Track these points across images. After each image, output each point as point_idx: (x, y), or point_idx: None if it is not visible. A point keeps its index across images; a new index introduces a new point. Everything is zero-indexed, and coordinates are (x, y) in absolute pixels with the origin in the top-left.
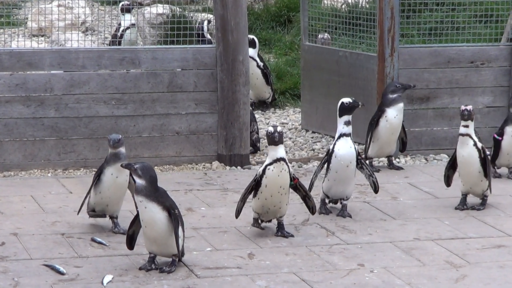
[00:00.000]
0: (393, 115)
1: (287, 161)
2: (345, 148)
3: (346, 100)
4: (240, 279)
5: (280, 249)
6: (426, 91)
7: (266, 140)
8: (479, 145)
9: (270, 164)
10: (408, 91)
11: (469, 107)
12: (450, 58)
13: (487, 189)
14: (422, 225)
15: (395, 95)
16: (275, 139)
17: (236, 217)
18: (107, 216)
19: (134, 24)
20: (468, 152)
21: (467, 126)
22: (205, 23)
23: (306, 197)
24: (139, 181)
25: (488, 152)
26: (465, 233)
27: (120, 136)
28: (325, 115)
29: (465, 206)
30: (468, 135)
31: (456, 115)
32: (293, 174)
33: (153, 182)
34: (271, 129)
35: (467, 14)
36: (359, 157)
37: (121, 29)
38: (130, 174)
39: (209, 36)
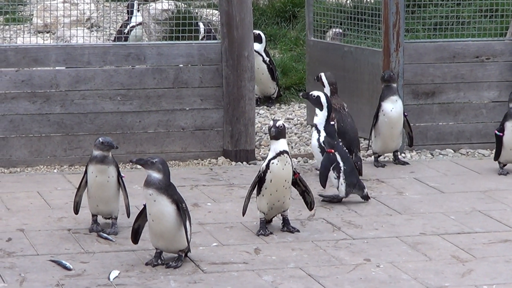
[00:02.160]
0: (389, 108)
1: (289, 154)
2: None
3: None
4: (246, 274)
5: (286, 244)
6: (432, 86)
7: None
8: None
9: (274, 158)
10: (413, 86)
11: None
12: (456, 53)
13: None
14: (428, 220)
15: (383, 85)
16: (272, 134)
17: (243, 215)
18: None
19: (140, 23)
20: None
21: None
22: (201, 24)
23: (305, 192)
24: (156, 175)
25: None
26: (471, 228)
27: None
28: None
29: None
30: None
31: (461, 109)
32: (295, 169)
33: (169, 177)
34: (270, 123)
35: (472, 9)
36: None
37: (129, 25)
38: (120, 177)
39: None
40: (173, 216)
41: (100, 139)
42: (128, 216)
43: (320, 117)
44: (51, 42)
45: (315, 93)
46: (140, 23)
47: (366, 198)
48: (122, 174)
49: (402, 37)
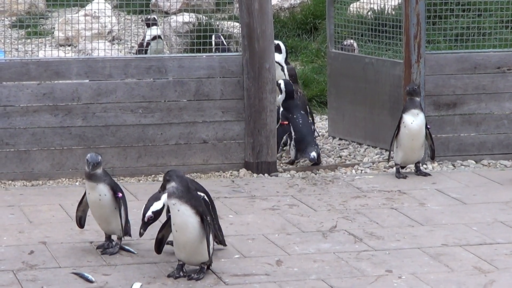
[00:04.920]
0: (410, 120)
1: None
2: None
3: None
4: (268, 286)
5: (308, 256)
6: (453, 97)
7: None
8: None
9: None
10: (434, 98)
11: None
12: (477, 64)
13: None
14: (450, 231)
15: (407, 98)
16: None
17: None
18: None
19: (160, 36)
20: None
21: None
22: (220, 35)
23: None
24: (169, 185)
25: None
26: (493, 239)
27: (100, 157)
28: (352, 122)
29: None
30: None
31: (483, 120)
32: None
33: (182, 182)
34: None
35: (494, 19)
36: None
37: (146, 39)
38: (116, 196)
39: (224, 44)
40: (197, 228)
41: (87, 158)
42: (123, 236)
43: (280, 98)
44: (73, 55)
45: (279, 81)
46: (159, 36)
47: (313, 160)
48: (118, 193)
49: (423, 49)
